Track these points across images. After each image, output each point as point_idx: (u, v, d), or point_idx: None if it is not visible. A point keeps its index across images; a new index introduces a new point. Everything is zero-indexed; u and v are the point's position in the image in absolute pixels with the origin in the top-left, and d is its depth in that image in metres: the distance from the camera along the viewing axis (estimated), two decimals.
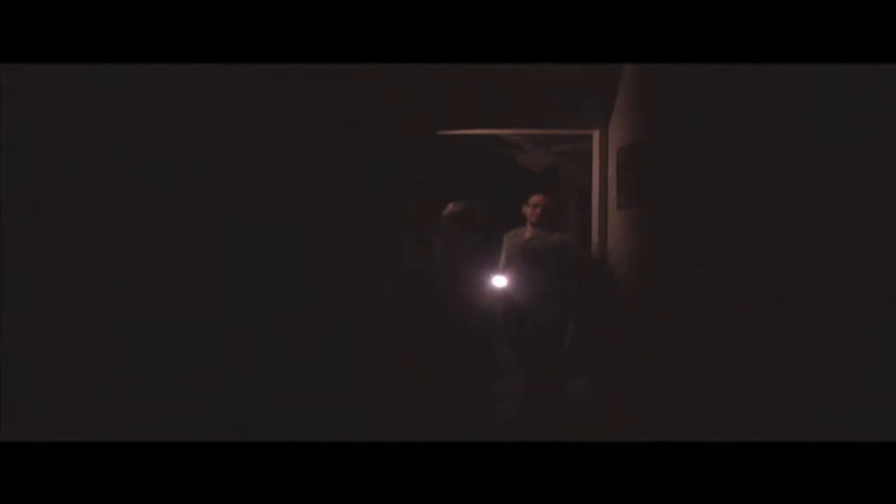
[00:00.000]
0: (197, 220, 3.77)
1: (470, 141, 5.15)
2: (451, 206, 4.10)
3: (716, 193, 2.75)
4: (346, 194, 3.91)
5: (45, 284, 3.59)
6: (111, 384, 3.61)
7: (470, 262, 4.02)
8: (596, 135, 4.39)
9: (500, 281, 4.07)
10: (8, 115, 3.46)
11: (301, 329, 3.80)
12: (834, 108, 1.98)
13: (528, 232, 4.37)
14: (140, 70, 3.36)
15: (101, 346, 3.63)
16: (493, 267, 4.16)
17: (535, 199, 4.36)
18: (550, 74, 4.07)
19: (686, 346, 3.03)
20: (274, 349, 3.77)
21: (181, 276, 3.73)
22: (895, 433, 1.71)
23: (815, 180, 2.07)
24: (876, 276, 1.81)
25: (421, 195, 4.00)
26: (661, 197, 3.38)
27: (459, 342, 3.99)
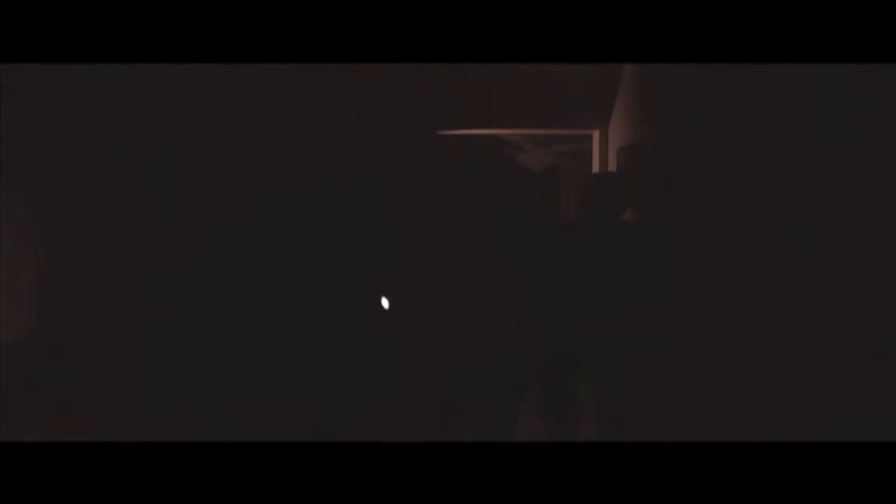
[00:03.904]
0: (197, 220, 3.77)
1: (470, 141, 5.16)
2: None
3: (716, 193, 2.75)
4: (345, 194, 3.91)
5: (44, 284, 3.59)
6: (110, 384, 3.61)
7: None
8: (596, 135, 4.39)
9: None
10: (8, 115, 3.46)
11: (301, 328, 3.80)
12: (834, 108, 1.98)
13: None
14: (140, 70, 3.36)
15: (101, 345, 3.63)
16: None
17: None
18: (550, 74, 4.08)
19: (686, 346, 3.02)
20: (273, 348, 3.77)
21: (181, 275, 3.73)
22: (895, 433, 1.71)
23: (815, 180, 2.07)
24: (876, 276, 1.81)
25: (420, 195, 4.00)
26: (661, 197, 3.38)
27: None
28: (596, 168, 4.42)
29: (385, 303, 3.75)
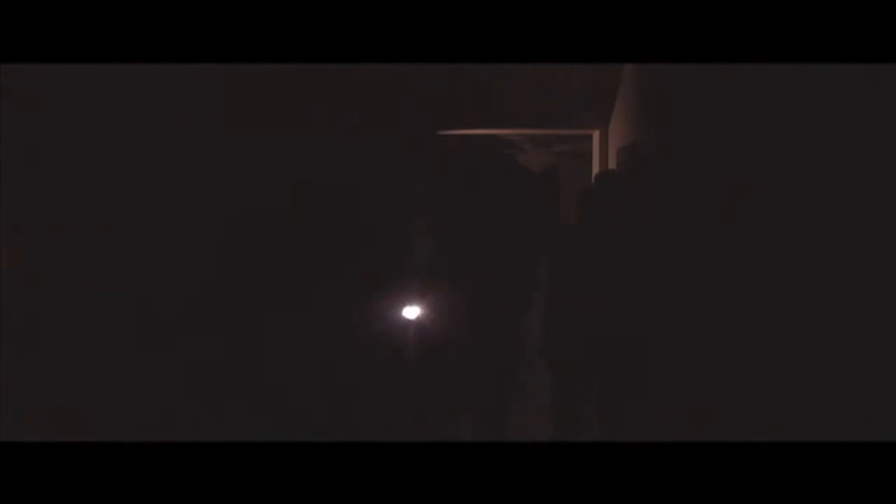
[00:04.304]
0: (197, 220, 3.77)
1: (470, 141, 5.15)
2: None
3: (716, 193, 2.75)
4: (345, 194, 3.91)
5: (44, 284, 3.59)
6: (111, 384, 3.61)
7: None
8: (596, 135, 4.39)
9: None
10: (8, 115, 3.46)
11: (301, 328, 3.80)
12: (834, 108, 1.97)
13: None
14: (140, 70, 3.36)
15: (101, 345, 3.63)
16: None
17: None
18: (550, 74, 4.08)
19: (686, 346, 3.02)
20: (273, 348, 3.77)
21: (181, 274, 3.73)
22: (895, 433, 1.71)
23: (815, 180, 2.07)
24: (876, 276, 1.81)
25: (420, 195, 4.00)
26: (661, 197, 3.38)
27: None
28: (596, 168, 4.42)
29: (411, 312, 3.71)
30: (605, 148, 4.33)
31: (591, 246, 3.52)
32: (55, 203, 3.61)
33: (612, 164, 4.21)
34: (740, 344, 2.50)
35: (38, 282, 3.56)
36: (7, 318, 3.50)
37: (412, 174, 3.98)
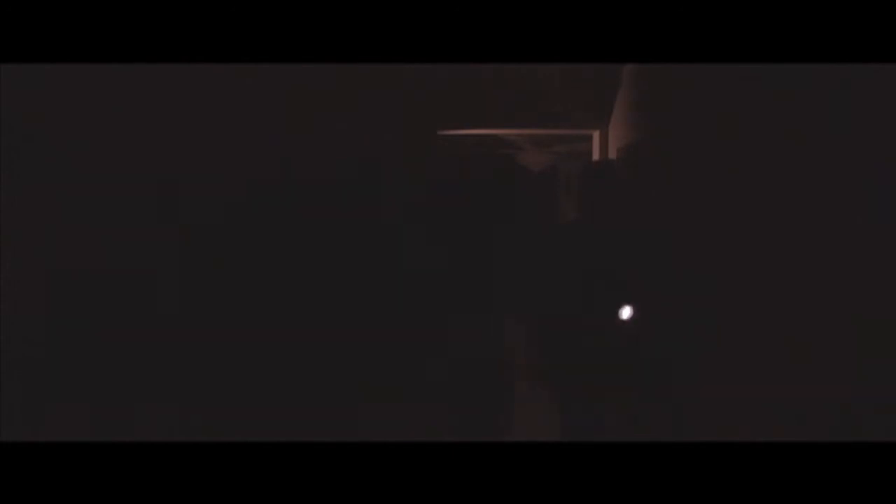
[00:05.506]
0: (197, 220, 3.77)
1: (470, 141, 5.15)
2: None
3: (716, 193, 2.75)
4: (345, 194, 3.90)
5: (45, 284, 3.59)
6: (111, 384, 3.61)
7: None
8: (596, 135, 4.39)
9: None
10: (8, 115, 3.46)
11: (301, 329, 3.80)
12: (834, 108, 1.98)
13: None
14: (140, 70, 3.36)
15: (102, 345, 3.63)
16: None
17: None
18: (550, 74, 4.08)
19: (686, 346, 3.02)
20: (274, 348, 3.77)
21: (181, 275, 3.73)
22: (895, 433, 1.71)
23: (815, 180, 2.07)
24: (875, 276, 1.81)
25: (420, 195, 4.00)
26: (661, 197, 3.38)
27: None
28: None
29: (627, 312, 3.62)
30: (605, 148, 4.33)
31: (589, 245, 3.51)
32: (55, 203, 3.61)
33: (611, 165, 4.21)
34: (740, 343, 2.50)
35: (39, 281, 3.56)
36: (8, 318, 3.50)
37: (412, 174, 3.98)
